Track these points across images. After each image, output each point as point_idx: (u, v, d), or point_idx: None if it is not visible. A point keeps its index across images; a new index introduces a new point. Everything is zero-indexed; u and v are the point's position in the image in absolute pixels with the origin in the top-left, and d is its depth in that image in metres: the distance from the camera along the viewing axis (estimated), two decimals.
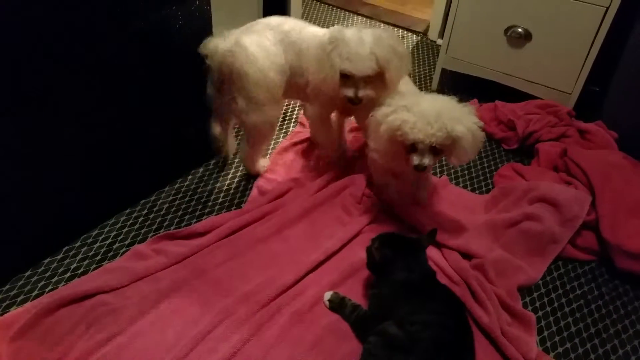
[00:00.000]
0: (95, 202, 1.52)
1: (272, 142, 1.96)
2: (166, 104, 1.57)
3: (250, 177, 1.78)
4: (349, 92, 1.49)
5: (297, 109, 2.15)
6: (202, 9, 1.52)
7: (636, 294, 1.52)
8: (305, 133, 1.97)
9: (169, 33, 1.45)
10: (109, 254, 1.46)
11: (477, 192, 1.84)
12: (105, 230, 1.54)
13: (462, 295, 1.39)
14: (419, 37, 2.89)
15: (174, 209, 1.63)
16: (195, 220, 1.60)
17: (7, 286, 1.35)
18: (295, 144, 1.94)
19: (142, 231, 1.54)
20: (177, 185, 1.73)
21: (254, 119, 1.59)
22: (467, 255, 1.54)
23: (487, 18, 2.20)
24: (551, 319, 1.41)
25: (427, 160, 1.39)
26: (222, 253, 1.45)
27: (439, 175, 1.85)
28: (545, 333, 1.37)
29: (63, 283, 1.36)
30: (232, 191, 1.73)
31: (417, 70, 2.57)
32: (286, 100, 2.18)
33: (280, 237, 1.54)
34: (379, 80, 1.49)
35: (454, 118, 1.36)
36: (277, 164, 1.84)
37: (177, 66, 1.53)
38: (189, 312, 1.29)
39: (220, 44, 1.51)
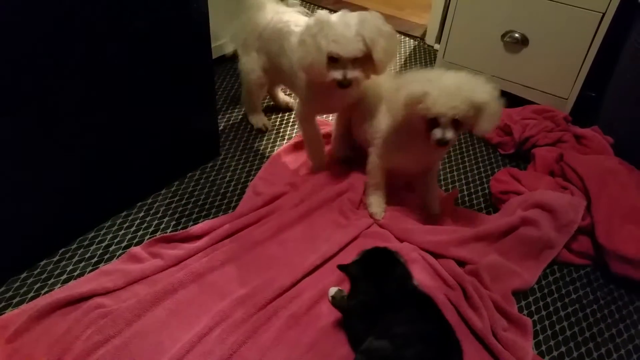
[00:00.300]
0: (91, 205, 1.52)
1: (272, 145, 1.97)
2: (163, 107, 1.58)
3: (248, 179, 1.78)
4: (338, 75, 1.47)
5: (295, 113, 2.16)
6: (200, 11, 1.53)
7: (631, 298, 1.52)
8: None
9: (166, 36, 1.46)
10: (105, 257, 1.46)
11: (472, 196, 1.85)
12: (102, 232, 1.54)
13: (456, 301, 1.40)
14: (416, 42, 2.90)
15: (170, 211, 1.64)
16: (191, 223, 1.60)
17: (3, 288, 1.35)
18: (296, 147, 1.95)
19: (139, 234, 1.55)
20: (173, 188, 1.73)
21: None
22: (461, 262, 1.54)
23: (484, 23, 2.21)
24: (546, 322, 1.42)
25: (449, 135, 1.37)
26: (218, 256, 1.45)
27: (442, 187, 1.86)
28: (541, 337, 1.38)
29: (59, 285, 1.36)
30: (229, 194, 1.73)
31: None
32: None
33: (277, 241, 1.54)
34: (367, 61, 1.49)
35: (474, 89, 1.36)
36: (275, 165, 1.84)
37: (175, 69, 1.54)
38: (185, 315, 1.29)
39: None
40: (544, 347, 1.35)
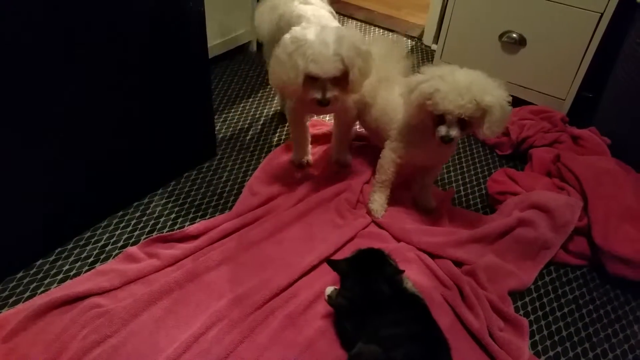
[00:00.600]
0: (88, 204, 1.52)
1: (268, 146, 1.97)
2: (159, 107, 1.57)
3: (244, 179, 1.78)
4: (317, 94, 1.46)
5: None
6: (196, 11, 1.52)
7: (627, 298, 1.52)
8: None
9: (162, 35, 1.46)
10: (102, 256, 1.46)
11: (470, 196, 1.85)
12: (98, 232, 1.54)
13: (452, 301, 1.40)
14: (414, 42, 2.90)
15: (167, 211, 1.63)
16: (188, 223, 1.60)
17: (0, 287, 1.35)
18: (292, 147, 1.94)
19: (135, 234, 1.54)
20: (170, 188, 1.73)
21: None
22: (458, 263, 1.55)
23: (482, 23, 2.21)
24: (542, 323, 1.42)
25: (454, 132, 1.38)
26: (215, 256, 1.45)
27: (439, 187, 1.86)
28: (537, 337, 1.38)
29: (55, 285, 1.36)
30: (225, 194, 1.73)
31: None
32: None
33: (274, 241, 1.54)
34: (345, 80, 1.47)
35: (484, 90, 1.36)
36: (272, 165, 1.84)
37: (171, 70, 1.54)
38: (181, 315, 1.29)
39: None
40: (540, 347, 1.35)
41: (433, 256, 1.55)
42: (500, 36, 2.19)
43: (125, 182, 1.60)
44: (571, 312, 1.46)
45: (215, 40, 2.32)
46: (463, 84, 1.34)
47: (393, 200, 1.70)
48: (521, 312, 1.44)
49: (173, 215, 1.62)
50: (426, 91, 1.38)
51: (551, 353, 1.34)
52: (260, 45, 2.59)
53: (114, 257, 1.45)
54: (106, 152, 1.48)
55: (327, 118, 2.12)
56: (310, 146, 1.88)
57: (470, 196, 1.86)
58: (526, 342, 1.33)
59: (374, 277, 1.23)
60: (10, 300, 1.31)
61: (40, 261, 1.43)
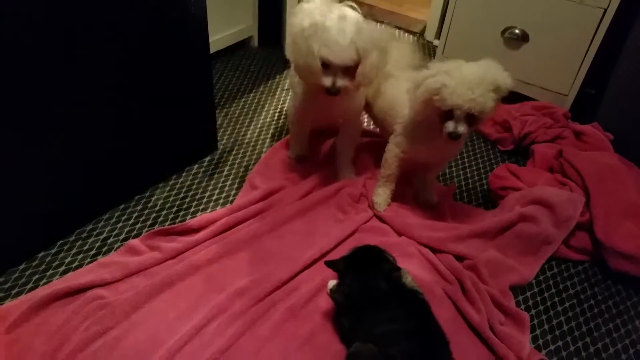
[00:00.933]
0: (90, 197, 1.52)
1: (269, 140, 1.97)
2: (161, 101, 1.57)
3: (246, 173, 1.79)
4: (327, 81, 1.42)
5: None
6: (198, 6, 1.52)
7: (628, 294, 1.53)
8: None
9: (164, 32, 1.45)
10: (104, 249, 1.46)
11: (471, 192, 1.85)
12: (100, 225, 1.54)
13: (453, 295, 1.40)
14: (416, 38, 2.90)
15: (168, 205, 1.64)
16: (189, 216, 1.60)
17: (2, 279, 1.35)
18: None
19: (137, 226, 1.55)
20: (171, 182, 1.73)
21: None
22: (460, 257, 1.55)
23: (484, 19, 2.21)
24: (543, 317, 1.42)
25: (462, 128, 1.35)
26: (216, 249, 1.45)
27: (441, 182, 1.85)
28: (538, 331, 1.38)
29: (57, 277, 1.36)
30: (226, 188, 1.73)
31: None
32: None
33: (276, 235, 1.54)
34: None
35: (499, 76, 1.34)
36: (273, 159, 1.84)
37: (172, 65, 1.53)
38: (183, 307, 1.29)
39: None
40: (540, 341, 1.35)
41: (434, 250, 1.56)
42: (503, 32, 2.19)
43: (127, 175, 1.60)
44: (572, 306, 1.47)
45: (217, 35, 2.31)
46: (473, 78, 1.31)
47: (395, 195, 1.70)
48: (522, 306, 1.44)
49: (175, 209, 1.62)
50: (432, 86, 1.35)
51: (552, 347, 1.34)
52: (262, 41, 2.60)
53: (115, 250, 1.45)
54: (108, 146, 1.48)
55: None
56: (308, 142, 1.86)
57: (472, 191, 1.85)
58: (527, 336, 1.33)
59: (371, 274, 1.24)
60: (13, 292, 1.31)
61: (42, 253, 1.43)
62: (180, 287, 1.34)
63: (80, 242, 1.47)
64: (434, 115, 1.40)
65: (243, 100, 2.20)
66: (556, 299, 1.48)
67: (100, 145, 1.46)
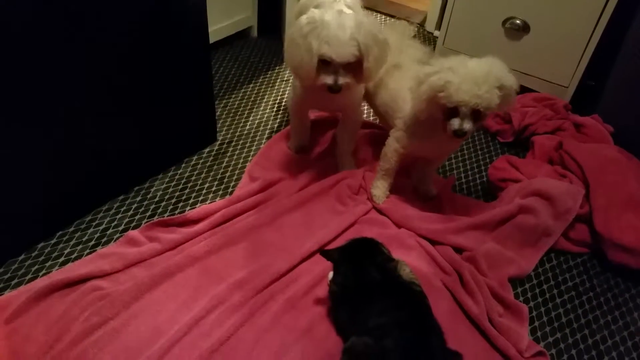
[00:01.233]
0: (89, 188, 1.51)
1: (269, 131, 1.97)
2: (160, 93, 1.57)
3: (245, 165, 1.78)
4: (329, 79, 1.39)
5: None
6: (198, 1, 1.51)
7: (627, 286, 1.53)
8: None
9: (163, 22, 1.44)
10: (103, 240, 1.46)
11: (470, 184, 1.85)
12: (99, 216, 1.54)
13: (452, 286, 1.40)
14: (416, 28, 2.88)
15: (167, 196, 1.63)
16: (188, 207, 1.60)
17: (1, 269, 1.35)
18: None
19: (136, 218, 1.54)
20: (170, 173, 1.72)
21: None
22: (459, 249, 1.55)
23: (485, 9, 2.20)
24: (542, 309, 1.42)
25: (467, 125, 1.33)
26: (215, 240, 1.45)
27: (440, 174, 1.85)
28: (536, 323, 1.38)
29: (57, 267, 1.36)
30: (225, 180, 1.73)
31: None
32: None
33: (275, 226, 1.54)
34: (358, 67, 1.41)
35: (503, 74, 1.32)
36: (272, 151, 1.84)
37: (171, 55, 1.53)
38: (182, 298, 1.29)
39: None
40: (539, 333, 1.36)
41: (433, 242, 1.56)
42: (504, 22, 2.17)
43: (126, 166, 1.59)
44: (571, 299, 1.47)
45: (216, 25, 2.30)
46: (479, 74, 1.29)
47: (394, 188, 1.70)
48: (521, 298, 1.45)
49: (174, 200, 1.62)
50: (436, 84, 1.33)
51: (550, 339, 1.35)
52: (262, 31, 2.58)
53: (115, 241, 1.45)
54: (107, 137, 1.48)
55: None
56: (309, 134, 1.87)
57: (472, 183, 1.85)
58: (525, 328, 1.34)
59: (364, 264, 1.24)
60: (12, 282, 1.32)
61: (42, 244, 1.43)
62: (180, 278, 1.34)
63: (79, 233, 1.47)
64: (438, 112, 1.38)
65: (242, 91, 2.19)
66: (555, 291, 1.48)
67: (99, 136, 1.45)
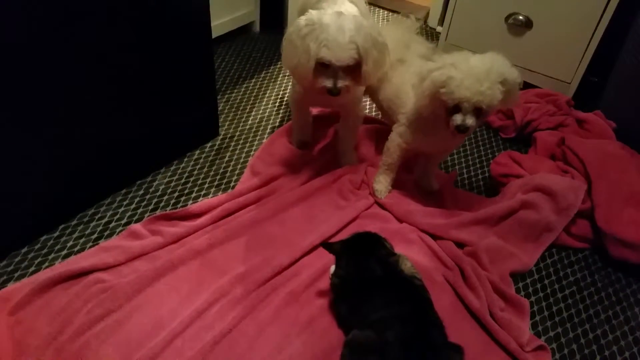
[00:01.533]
0: (91, 181, 1.52)
1: (271, 126, 1.97)
2: (163, 87, 1.57)
3: (247, 159, 1.78)
4: (328, 83, 1.38)
5: None
6: None
7: (628, 281, 1.53)
8: None
9: (166, 17, 1.44)
10: (106, 233, 1.47)
11: (472, 179, 1.85)
12: (102, 209, 1.54)
13: (454, 281, 1.41)
14: (419, 24, 2.87)
15: (170, 190, 1.64)
16: (191, 201, 1.60)
17: (4, 262, 1.35)
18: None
19: (138, 211, 1.55)
20: (173, 167, 1.73)
21: None
22: (460, 244, 1.55)
23: (488, 5, 2.19)
24: (543, 304, 1.43)
25: (470, 121, 1.32)
26: (218, 234, 1.45)
27: (442, 169, 1.85)
28: (537, 318, 1.38)
29: (59, 260, 1.37)
30: (228, 174, 1.73)
31: None
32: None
33: (277, 220, 1.55)
34: (357, 69, 1.39)
35: (505, 70, 1.31)
36: (274, 146, 1.84)
37: (174, 49, 1.53)
38: (185, 291, 1.30)
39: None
40: (540, 328, 1.36)
41: (435, 237, 1.56)
42: (507, 18, 2.17)
43: (129, 160, 1.60)
44: (572, 294, 1.47)
45: (219, 20, 2.30)
46: (481, 70, 1.29)
47: (396, 182, 1.70)
48: (522, 293, 1.45)
49: (176, 194, 1.62)
50: (439, 79, 1.32)
51: (551, 334, 1.35)
52: (264, 26, 2.58)
53: (117, 234, 1.46)
54: (110, 131, 1.48)
55: None
56: (311, 129, 1.86)
57: (474, 179, 1.85)
58: (527, 322, 1.34)
59: (366, 258, 1.24)
60: (16, 275, 1.32)
61: (45, 237, 1.43)
62: (182, 271, 1.35)
63: (82, 226, 1.48)
64: (440, 108, 1.38)
65: (245, 86, 2.19)
66: (556, 286, 1.48)
67: (102, 130, 1.45)
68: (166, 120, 1.65)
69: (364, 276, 1.22)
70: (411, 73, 1.55)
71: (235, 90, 2.16)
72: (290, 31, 1.38)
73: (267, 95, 2.15)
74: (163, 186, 1.65)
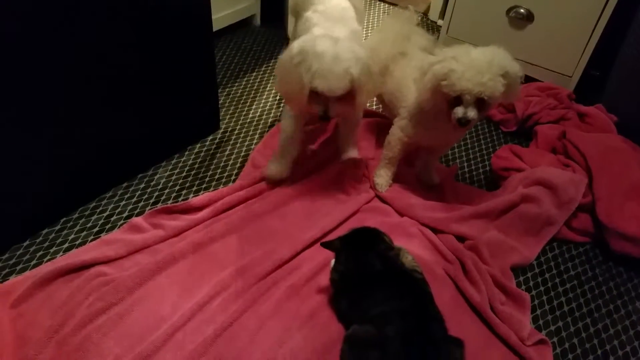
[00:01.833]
0: (93, 175, 1.52)
1: (272, 119, 1.96)
2: (164, 81, 1.56)
3: (248, 153, 1.78)
4: (319, 110, 1.35)
5: None
6: None
7: (629, 275, 1.53)
8: None
9: (166, 10, 1.44)
10: (107, 226, 1.47)
11: (473, 173, 1.85)
12: (103, 203, 1.54)
13: (454, 275, 1.41)
14: (420, 18, 2.87)
15: (171, 183, 1.64)
16: (192, 195, 1.60)
17: (6, 255, 1.36)
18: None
19: (140, 205, 1.55)
20: (174, 161, 1.73)
21: None
22: (461, 238, 1.55)
23: None
24: (544, 298, 1.43)
25: (471, 114, 1.32)
26: (219, 227, 1.46)
27: (443, 163, 1.85)
28: (538, 311, 1.39)
29: (61, 253, 1.37)
30: (229, 167, 1.73)
31: None
32: None
33: (278, 214, 1.55)
34: (350, 97, 1.36)
35: (506, 62, 1.31)
36: (275, 139, 1.83)
37: (175, 43, 1.52)
38: (186, 284, 1.30)
39: None
40: (541, 322, 1.36)
41: (436, 231, 1.56)
42: (508, 11, 2.16)
43: (130, 154, 1.60)
44: (573, 288, 1.47)
45: (219, 13, 2.29)
46: (482, 62, 1.29)
47: (397, 176, 1.70)
48: (523, 287, 1.45)
49: (177, 188, 1.62)
50: (440, 72, 1.32)
51: (552, 327, 1.35)
52: (265, 19, 2.57)
53: (119, 227, 1.46)
54: (111, 125, 1.48)
55: None
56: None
57: (474, 172, 1.85)
58: (527, 316, 1.34)
59: (366, 253, 1.24)
60: (18, 268, 1.32)
61: (46, 230, 1.44)
62: (183, 264, 1.35)
63: (83, 220, 1.48)
64: (442, 102, 1.38)
65: (245, 80, 2.19)
66: (557, 280, 1.49)
67: (103, 123, 1.45)
68: (167, 114, 1.64)
69: (364, 271, 1.22)
70: (412, 67, 1.55)
71: (236, 84, 2.15)
72: (283, 57, 1.34)
73: (267, 88, 2.14)
74: (164, 180, 1.65)
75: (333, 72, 1.28)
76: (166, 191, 1.61)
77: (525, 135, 2.03)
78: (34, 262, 1.34)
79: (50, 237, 1.42)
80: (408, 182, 1.72)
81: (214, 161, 1.75)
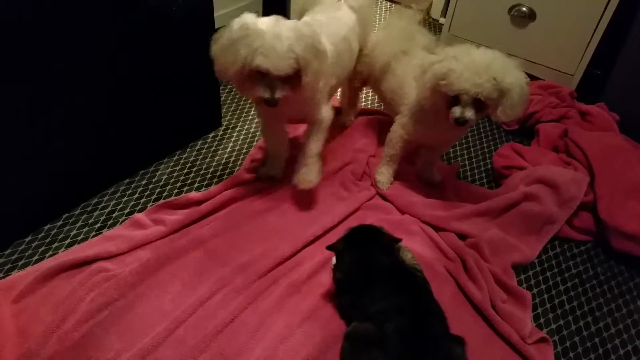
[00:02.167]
0: (95, 172, 1.52)
1: None
2: (167, 78, 1.57)
3: (249, 149, 1.78)
4: (265, 93, 1.27)
5: None
6: None
7: (631, 274, 1.53)
8: None
9: (169, 7, 1.44)
10: (109, 222, 1.47)
11: (475, 171, 1.85)
12: (105, 199, 1.54)
13: (455, 272, 1.41)
14: (421, 16, 2.86)
15: (172, 180, 1.64)
16: (193, 191, 1.60)
17: (9, 250, 1.36)
18: None
19: (141, 201, 1.55)
20: (175, 157, 1.73)
21: None
22: (462, 236, 1.55)
23: None
24: (545, 296, 1.43)
25: (469, 114, 1.33)
26: (220, 224, 1.46)
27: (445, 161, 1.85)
28: (539, 310, 1.39)
29: (63, 249, 1.37)
30: (230, 164, 1.73)
31: None
32: None
33: (278, 211, 1.55)
34: (296, 79, 1.29)
35: (503, 70, 1.30)
36: None
37: (177, 40, 1.52)
38: (187, 280, 1.30)
39: None
40: (542, 320, 1.36)
41: (437, 229, 1.56)
42: (510, 9, 2.16)
43: (131, 150, 1.60)
44: (574, 286, 1.47)
45: (222, 11, 2.28)
46: (481, 63, 1.29)
47: (398, 174, 1.70)
48: (524, 285, 1.45)
49: (179, 184, 1.63)
50: (439, 71, 1.33)
51: (553, 326, 1.35)
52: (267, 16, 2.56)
53: (120, 223, 1.46)
54: (112, 121, 1.48)
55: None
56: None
57: (476, 170, 1.85)
58: (529, 314, 1.34)
59: (369, 249, 1.24)
60: (20, 263, 1.33)
61: (48, 226, 1.44)
62: (185, 260, 1.35)
63: (85, 216, 1.48)
64: (441, 101, 1.38)
65: None
66: (558, 279, 1.49)
67: (104, 120, 1.45)
68: (169, 111, 1.65)
69: (365, 269, 1.22)
70: (414, 65, 1.55)
71: None
72: (220, 33, 1.28)
73: None
74: (166, 176, 1.65)
75: (275, 49, 1.21)
76: (168, 187, 1.61)
77: (526, 134, 2.03)
78: (36, 257, 1.34)
79: (52, 232, 1.42)
80: (409, 179, 1.72)
81: (216, 158, 1.75)
